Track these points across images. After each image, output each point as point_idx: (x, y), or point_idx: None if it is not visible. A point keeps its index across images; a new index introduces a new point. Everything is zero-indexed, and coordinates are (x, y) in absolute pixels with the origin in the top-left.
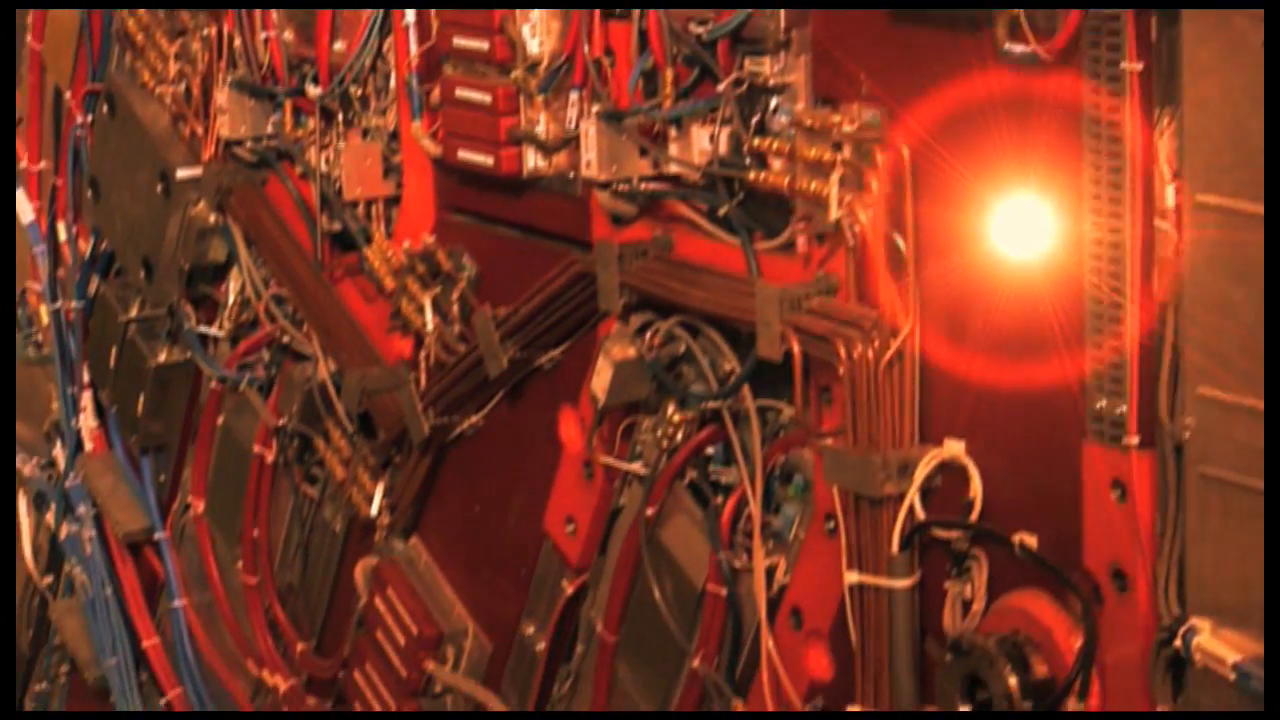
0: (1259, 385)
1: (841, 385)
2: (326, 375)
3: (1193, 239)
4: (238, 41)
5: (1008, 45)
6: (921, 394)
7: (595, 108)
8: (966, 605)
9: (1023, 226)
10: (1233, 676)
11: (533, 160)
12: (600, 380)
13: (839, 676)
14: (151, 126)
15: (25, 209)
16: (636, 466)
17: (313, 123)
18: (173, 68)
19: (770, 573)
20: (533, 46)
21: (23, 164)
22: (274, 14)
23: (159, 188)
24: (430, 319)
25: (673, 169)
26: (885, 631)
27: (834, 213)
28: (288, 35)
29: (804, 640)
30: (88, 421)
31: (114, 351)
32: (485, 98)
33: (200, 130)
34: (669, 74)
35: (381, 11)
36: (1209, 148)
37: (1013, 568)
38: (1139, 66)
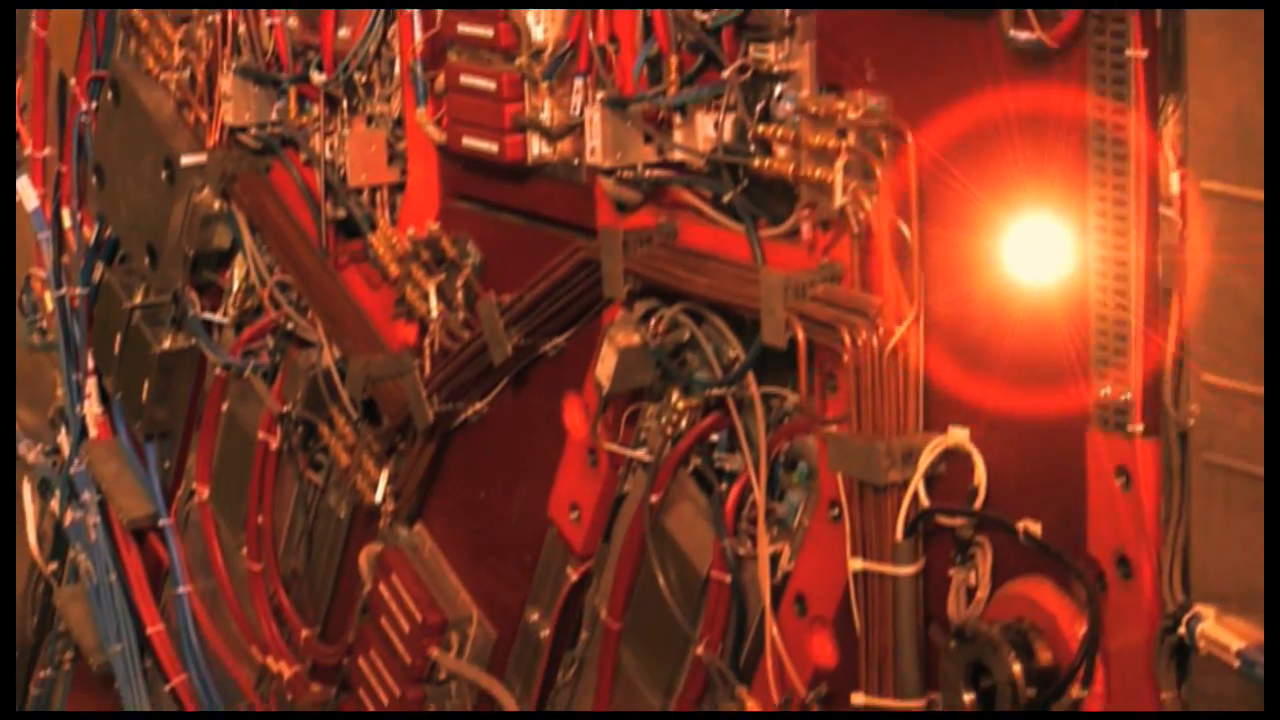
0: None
1: (846, 372)
2: (331, 362)
3: (1197, 226)
4: (242, 28)
5: (1012, 32)
6: (926, 381)
7: (600, 94)
8: (971, 592)
9: (1028, 213)
10: (1237, 664)
11: (537, 147)
12: (604, 367)
13: (843, 663)
14: (156, 113)
15: (30, 195)
16: (641, 453)
17: (317, 109)
18: (177, 54)
19: (774, 560)
20: (537, 33)
21: (27, 150)
22: None
23: (163, 174)
24: (435, 306)
25: (677, 156)
26: (889, 618)
27: (838, 200)
28: (292, 22)
29: (808, 627)
30: (92, 408)
31: (118, 338)
32: (490, 84)
33: (205, 117)
34: (674, 60)
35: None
36: (1213, 135)
37: (1017, 555)
38: (1144, 53)
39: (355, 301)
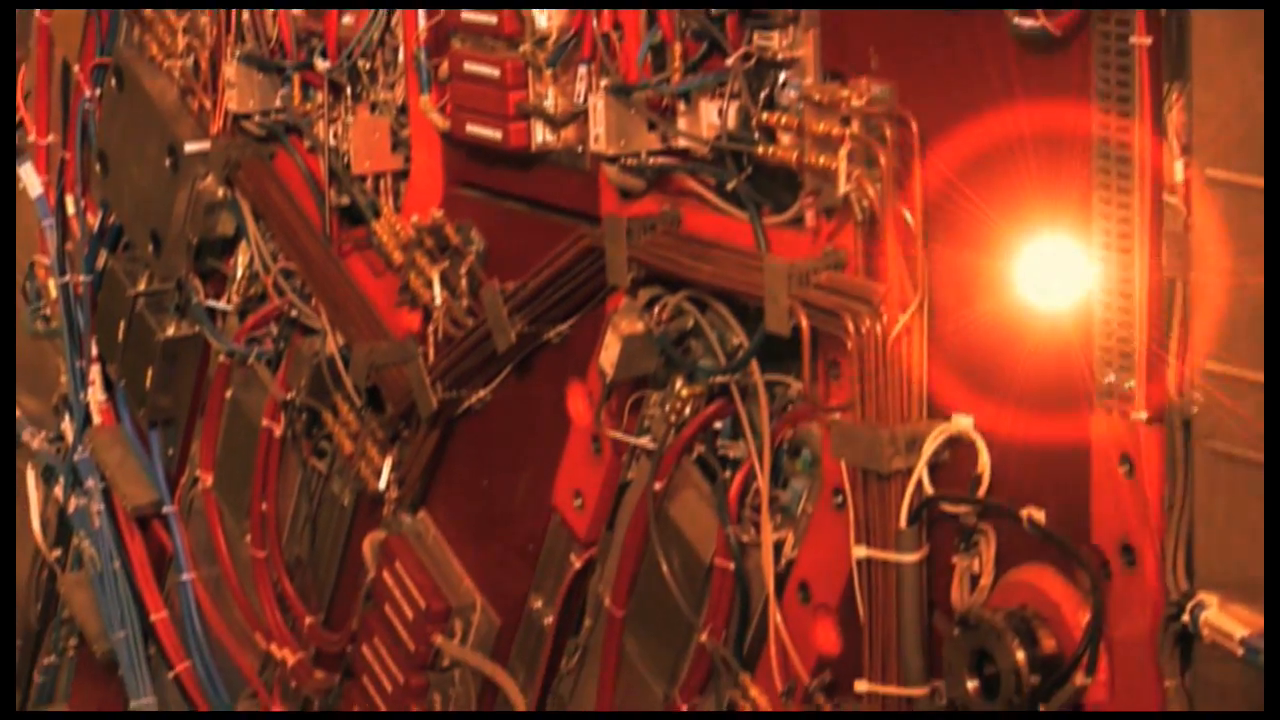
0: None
1: (849, 360)
2: (335, 349)
3: (1201, 213)
4: (246, 15)
5: (1016, 20)
6: (929, 368)
7: (604, 82)
8: (974, 580)
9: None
10: (1240, 651)
11: (541, 134)
12: (608, 355)
13: (847, 651)
14: (160, 100)
15: (33, 182)
16: (645, 441)
17: (321, 97)
18: (181, 41)
19: (778, 547)
20: (541, 20)
21: (31, 137)
22: None
23: (167, 161)
24: (438, 293)
25: (681, 143)
26: (893, 606)
27: (842, 187)
28: (296, 9)
29: (812, 615)
30: (96, 395)
31: (122, 325)
32: (493, 72)
33: (208, 104)
34: (677, 48)
35: None
36: (1217, 123)
37: (1021, 542)
38: (1148, 41)
39: (359, 289)
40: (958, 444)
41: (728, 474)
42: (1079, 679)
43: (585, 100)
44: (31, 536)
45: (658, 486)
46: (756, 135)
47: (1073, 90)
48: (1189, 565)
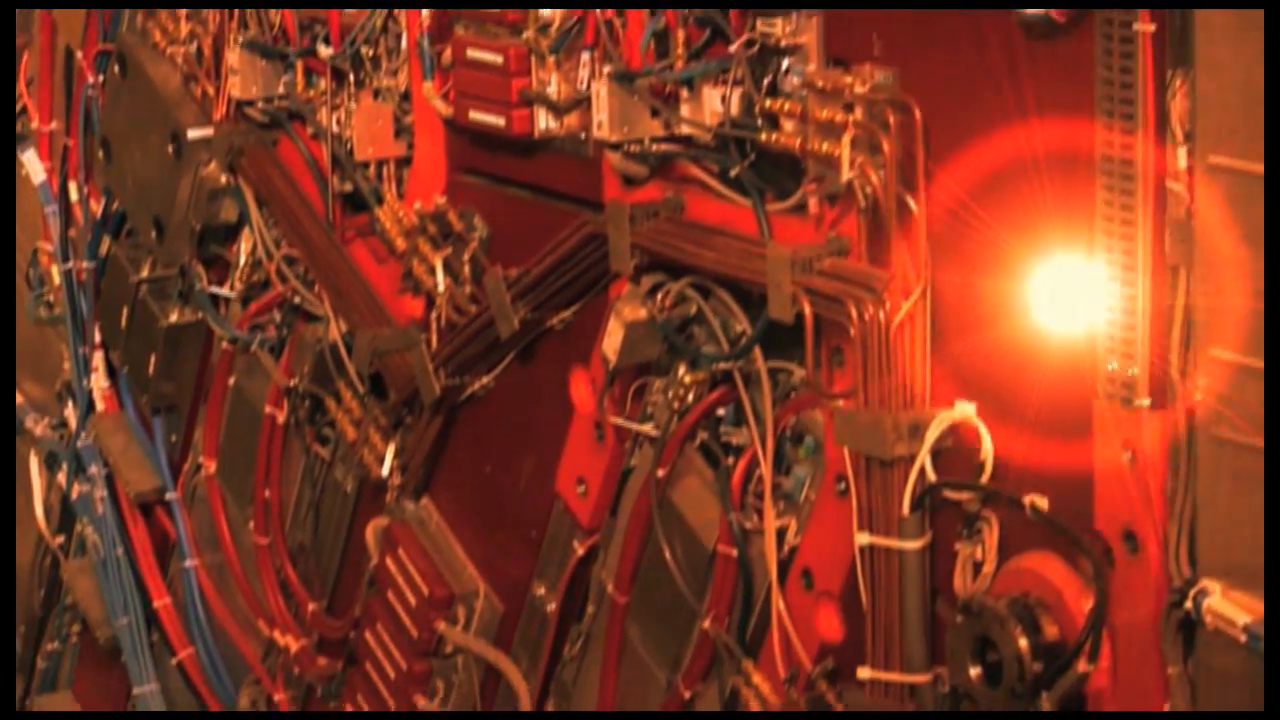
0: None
1: (853, 347)
2: (338, 336)
3: (1204, 200)
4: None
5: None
6: (933, 355)
7: (607, 68)
8: (977, 567)
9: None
10: (1243, 638)
11: (544, 121)
12: (611, 341)
13: (850, 638)
14: (163, 87)
15: (36, 169)
16: (648, 428)
17: (324, 83)
18: (184, 28)
19: (781, 534)
20: (544, 7)
21: (34, 124)
22: None
23: (170, 148)
24: (441, 280)
25: (684, 130)
26: (896, 593)
27: (846, 174)
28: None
29: (815, 601)
30: (99, 382)
31: (125, 312)
32: (497, 58)
33: (212, 91)
34: (680, 35)
35: None
36: (1220, 109)
37: (1024, 529)
38: (1151, 28)
39: (362, 275)
40: (961, 431)
41: (731, 461)
42: (1082, 666)
43: (588, 87)
44: (35, 523)
45: (661, 473)
46: (759, 122)
47: (1076, 77)
48: (1192, 552)
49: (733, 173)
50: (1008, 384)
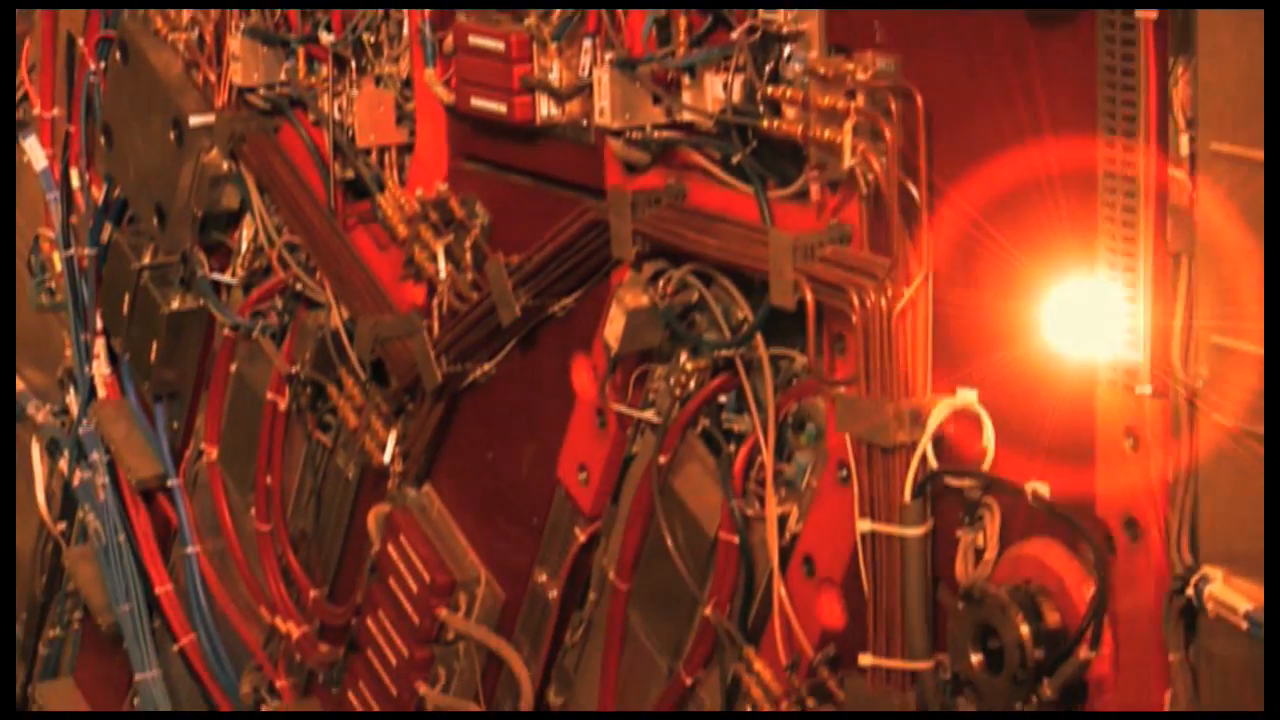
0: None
1: (854, 334)
2: (339, 323)
3: (1206, 187)
4: None
5: None
6: (934, 342)
7: (609, 55)
8: (979, 554)
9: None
10: (1245, 625)
11: (546, 108)
12: (613, 328)
13: (851, 625)
14: (164, 73)
15: (38, 155)
16: (649, 414)
17: (326, 70)
18: (186, 14)
19: (783, 521)
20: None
21: (36, 110)
22: None
23: (172, 135)
24: (443, 267)
25: (686, 117)
26: (897, 580)
27: (847, 160)
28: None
29: (816, 588)
30: (101, 368)
31: (127, 298)
32: (498, 45)
33: (213, 77)
34: (683, 21)
35: None
36: (1222, 97)
37: (1025, 516)
38: (1153, 15)
39: (364, 262)
40: (962, 418)
41: (732, 448)
42: (1083, 653)
43: (590, 74)
44: (36, 509)
45: (662, 460)
46: (761, 109)
47: (1079, 62)
48: (1193, 539)
49: (734, 159)
50: (1009, 371)
